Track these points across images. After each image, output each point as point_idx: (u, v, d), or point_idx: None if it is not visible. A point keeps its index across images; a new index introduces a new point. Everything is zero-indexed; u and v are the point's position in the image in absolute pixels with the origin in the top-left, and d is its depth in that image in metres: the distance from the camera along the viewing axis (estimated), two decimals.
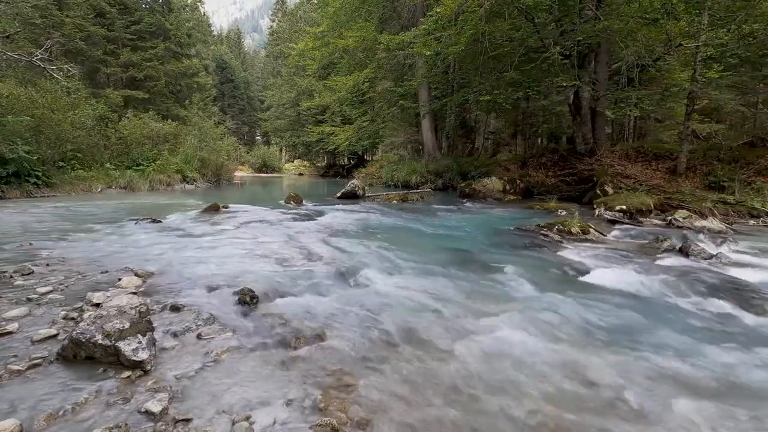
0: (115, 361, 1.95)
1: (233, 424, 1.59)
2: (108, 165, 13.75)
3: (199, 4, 44.86)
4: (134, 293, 2.61)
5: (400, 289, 3.33)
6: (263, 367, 2.06)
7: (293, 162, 47.26)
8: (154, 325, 2.23)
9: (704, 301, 3.24)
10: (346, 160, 37.18)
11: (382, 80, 19.65)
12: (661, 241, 5.20)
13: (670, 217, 7.08)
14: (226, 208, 8.09)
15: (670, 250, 4.91)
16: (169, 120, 19.32)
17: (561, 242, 5.43)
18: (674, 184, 9.38)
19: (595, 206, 8.29)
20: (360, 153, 33.50)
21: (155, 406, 1.63)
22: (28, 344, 2.11)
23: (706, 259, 4.45)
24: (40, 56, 9.52)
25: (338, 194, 11.58)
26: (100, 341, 1.94)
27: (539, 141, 19.26)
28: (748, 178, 8.82)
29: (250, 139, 53.04)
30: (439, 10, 10.69)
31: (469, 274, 3.87)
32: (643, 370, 2.17)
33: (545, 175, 12.23)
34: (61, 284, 3.07)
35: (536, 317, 2.81)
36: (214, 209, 7.70)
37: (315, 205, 9.56)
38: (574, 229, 5.86)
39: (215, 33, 62.85)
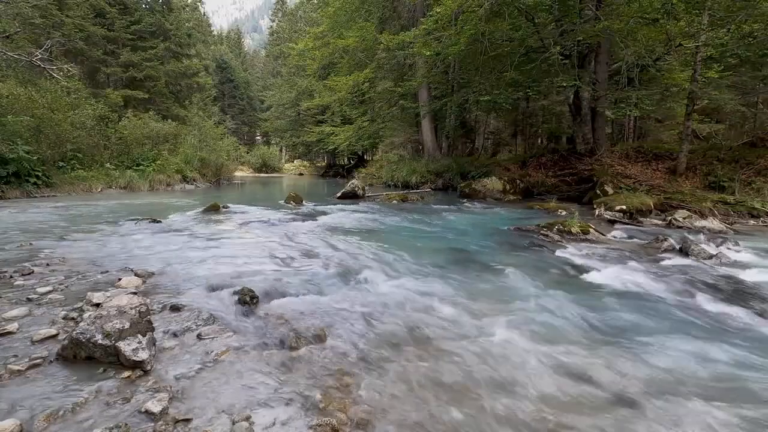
0: (115, 361, 1.95)
1: (233, 424, 1.59)
2: (108, 165, 13.74)
3: (199, 4, 44.75)
4: (134, 293, 2.61)
5: (399, 289, 3.33)
6: (263, 367, 2.06)
7: (293, 162, 47.22)
8: (154, 325, 2.23)
9: (704, 301, 3.24)
10: (346, 160, 37.13)
11: (382, 80, 19.63)
12: (661, 241, 5.20)
13: (670, 217, 7.08)
14: (226, 208, 8.10)
15: (670, 250, 4.91)
16: (169, 120, 19.30)
17: (561, 242, 5.43)
18: (674, 184, 9.38)
19: (595, 206, 8.29)
20: (360, 153, 33.47)
21: (155, 406, 1.63)
22: (28, 344, 2.11)
23: (706, 259, 4.45)
24: (40, 56, 9.51)
25: (338, 194, 11.59)
26: (100, 341, 1.94)
27: (539, 141, 19.27)
28: (748, 178, 8.82)
29: (250, 139, 52.98)
30: (439, 10, 10.68)
31: (469, 274, 3.87)
32: (642, 369, 2.17)
33: (545, 175, 12.23)
34: (61, 284, 3.07)
35: (536, 317, 2.81)
36: (214, 209, 7.70)
37: (315, 205, 9.56)
38: (574, 229, 5.86)
39: (215, 33, 62.74)
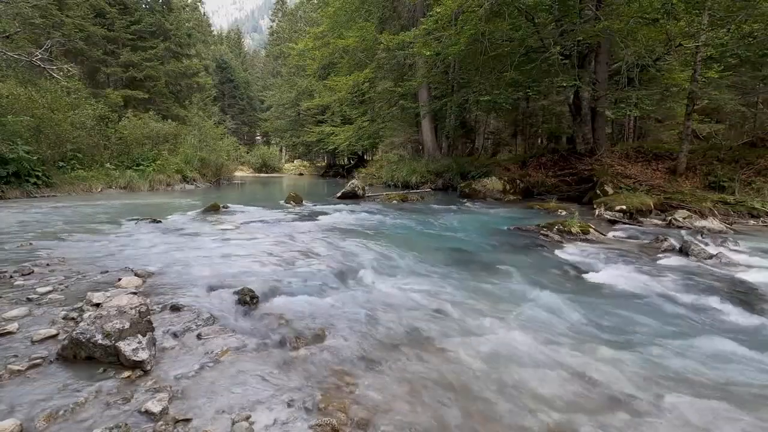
0: (115, 361, 1.95)
1: (233, 424, 1.59)
2: (108, 165, 13.74)
3: (199, 4, 44.71)
4: (134, 293, 2.61)
5: (399, 290, 3.33)
6: (263, 367, 2.06)
7: (293, 162, 47.21)
8: (154, 325, 2.22)
9: (704, 301, 3.24)
10: (346, 160, 37.11)
11: (382, 80, 19.63)
12: (661, 241, 5.20)
13: (670, 217, 7.08)
14: (226, 208, 8.10)
15: (670, 250, 4.91)
16: (169, 120, 19.30)
17: (561, 242, 5.43)
18: (674, 184, 9.38)
19: (595, 206, 8.29)
20: (360, 153, 33.46)
21: (155, 406, 1.63)
22: (28, 344, 2.11)
23: (705, 259, 4.46)
24: (40, 56, 9.50)
25: (338, 194, 11.59)
26: (100, 341, 1.94)
27: (539, 141, 19.26)
28: (748, 178, 8.82)
29: (250, 139, 52.96)
30: (439, 10, 10.68)
31: (469, 274, 3.87)
32: (643, 369, 2.17)
33: (545, 175, 12.23)
34: (61, 284, 3.07)
35: (536, 317, 2.81)
36: (213, 209, 7.70)
37: (315, 205, 9.56)
38: (574, 229, 5.86)
39: (215, 33, 62.69)
